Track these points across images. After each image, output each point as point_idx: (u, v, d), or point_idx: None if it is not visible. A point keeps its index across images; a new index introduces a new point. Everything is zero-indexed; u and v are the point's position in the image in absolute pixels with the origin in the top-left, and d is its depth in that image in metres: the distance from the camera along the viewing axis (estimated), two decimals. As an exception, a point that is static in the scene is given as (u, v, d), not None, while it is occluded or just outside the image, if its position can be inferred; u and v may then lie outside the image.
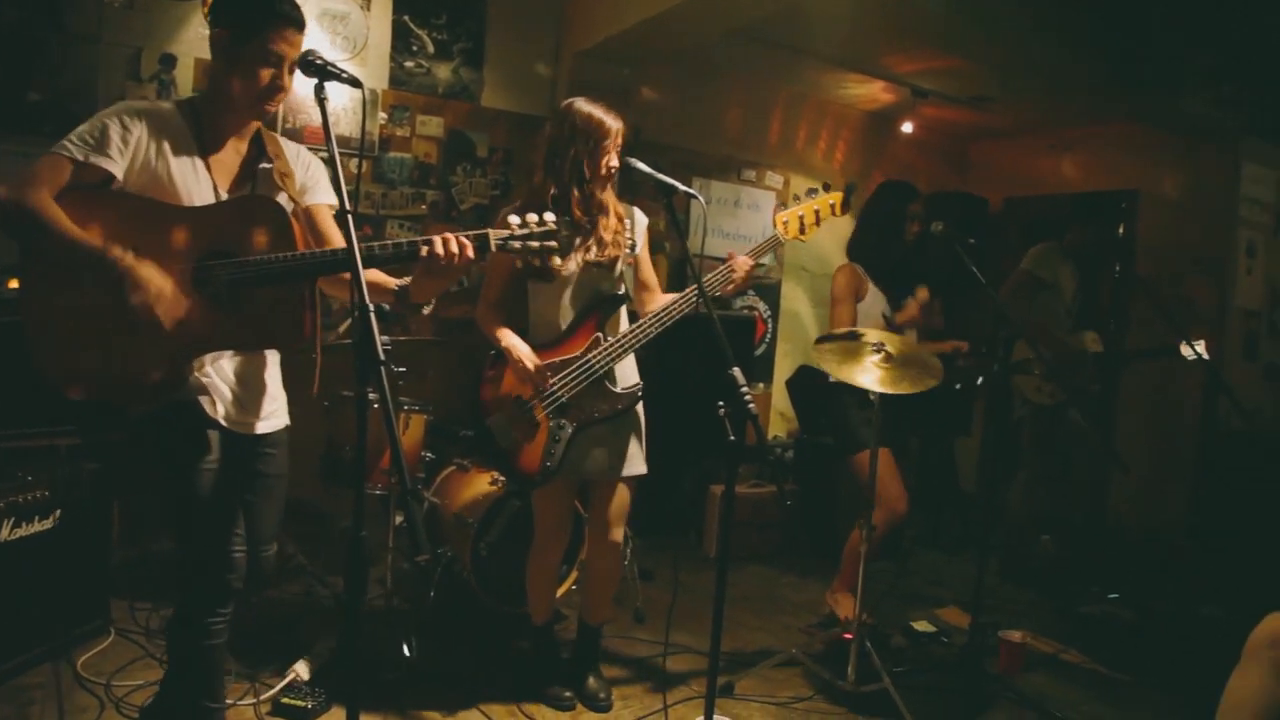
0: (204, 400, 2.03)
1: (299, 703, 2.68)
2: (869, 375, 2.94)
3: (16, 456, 2.85)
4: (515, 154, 4.93)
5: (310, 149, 2.30)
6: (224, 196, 2.04)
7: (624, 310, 2.85)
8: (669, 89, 5.47)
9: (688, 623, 3.60)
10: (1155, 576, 4.44)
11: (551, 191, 2.66)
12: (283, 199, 2.10)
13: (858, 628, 3.06)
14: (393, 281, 2.18)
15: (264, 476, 2.21)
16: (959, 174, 7.06)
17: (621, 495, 2.83)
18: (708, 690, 2.16)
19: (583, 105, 2.69)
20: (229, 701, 2.67)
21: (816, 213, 2.85)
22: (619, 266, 2.78)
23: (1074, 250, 4.50)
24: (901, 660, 3.46)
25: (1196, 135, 5.44)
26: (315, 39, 4.29)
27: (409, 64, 4.66)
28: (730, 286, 2.79)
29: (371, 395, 1.62)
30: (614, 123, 2.68)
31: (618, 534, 2.84)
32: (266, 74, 1.97)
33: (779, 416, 6.14)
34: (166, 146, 1.97)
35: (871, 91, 5.92)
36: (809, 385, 5.44)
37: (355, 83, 1.85)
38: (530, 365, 2.63)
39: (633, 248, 2.83)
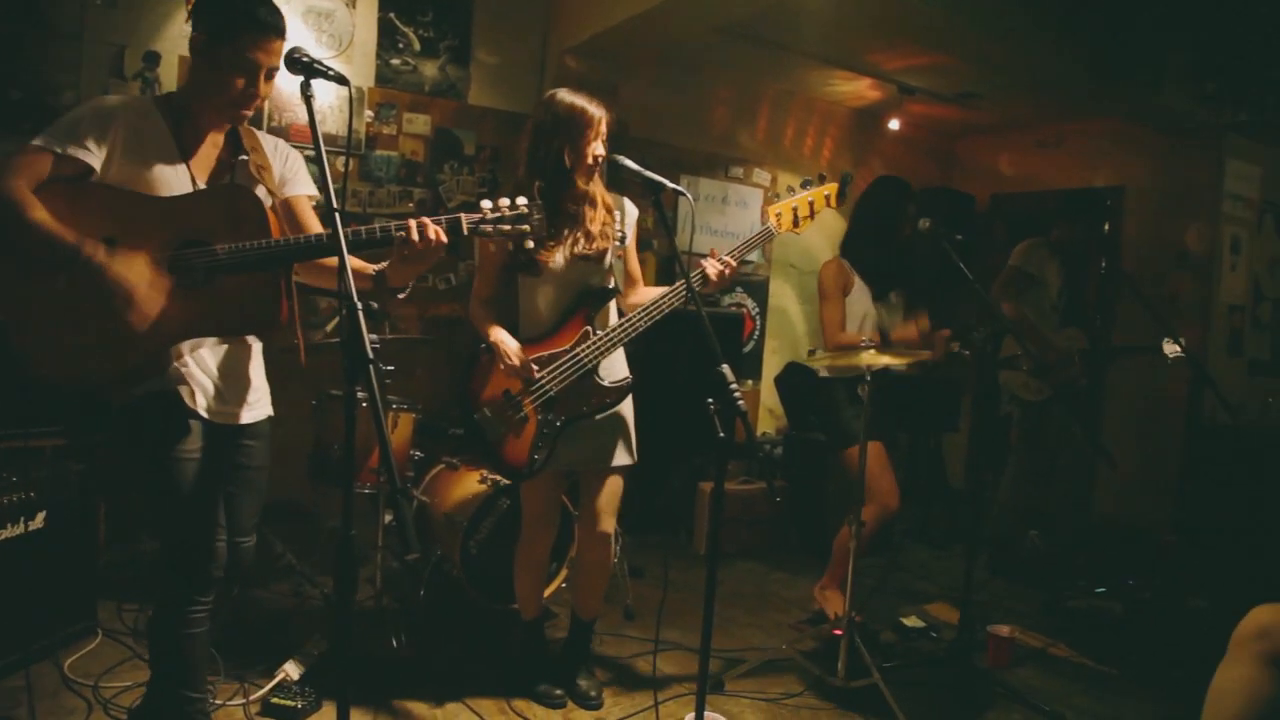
0: (183, 390, 2.05)
1: (289, 703, 2.67)
2: (871, 360, 2.95)
3: (2, 457, 2.83)
4: (503, 152, 4.92)
5: (297, 147, 2.30)
6: (201, 188, 2.06)
7: (613, 303, 2.84)
8: (656, 86, 5.47)
9: (678, 619, 3.60)
10: (1142, 570, 4.46)
11: (536, 184, 2.63)
12: (260, 191, 2.11)
13: (847, 624, 3.06)
14: (370, 267, 2.19)
15: (245, 468, 2.22)
16: (946, 171, 7.09)
17: (611, 486, 2.82)
18: (698, 687, 2.15)
19: (565, 95, 2.67)
20: (218, 702, 2.67)
21: (811, 204, 2.79)
22: (608, 259, 2.77)
23: (1060, 246, 4.52)
24: (891, 655, 3.47)
25: (1180, 132, 5.48)
26: (300, 36, 4.27)
27: (395, 61, 4.64)
28: (707, 288, 2.71)
29: (360, 394, 1.62)
30: (597, 111, 2.66)
31: (608, 524, 2.84)
32: (240, 82, 1.99)
33: (768, 413, 6.15)
34: (144, 140, 1.99)
35: (858, 88, 5.94)
36: (798, 382, 5.45)
37: (342, 80, 1.85)
38: (517, 360, 2.63)
39: (622, 239, 2.82)
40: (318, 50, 4.31)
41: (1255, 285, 5.88)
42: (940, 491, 5.85)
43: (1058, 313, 4.52)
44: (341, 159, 4.36)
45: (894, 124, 6.13)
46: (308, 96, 1.78)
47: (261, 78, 2.00)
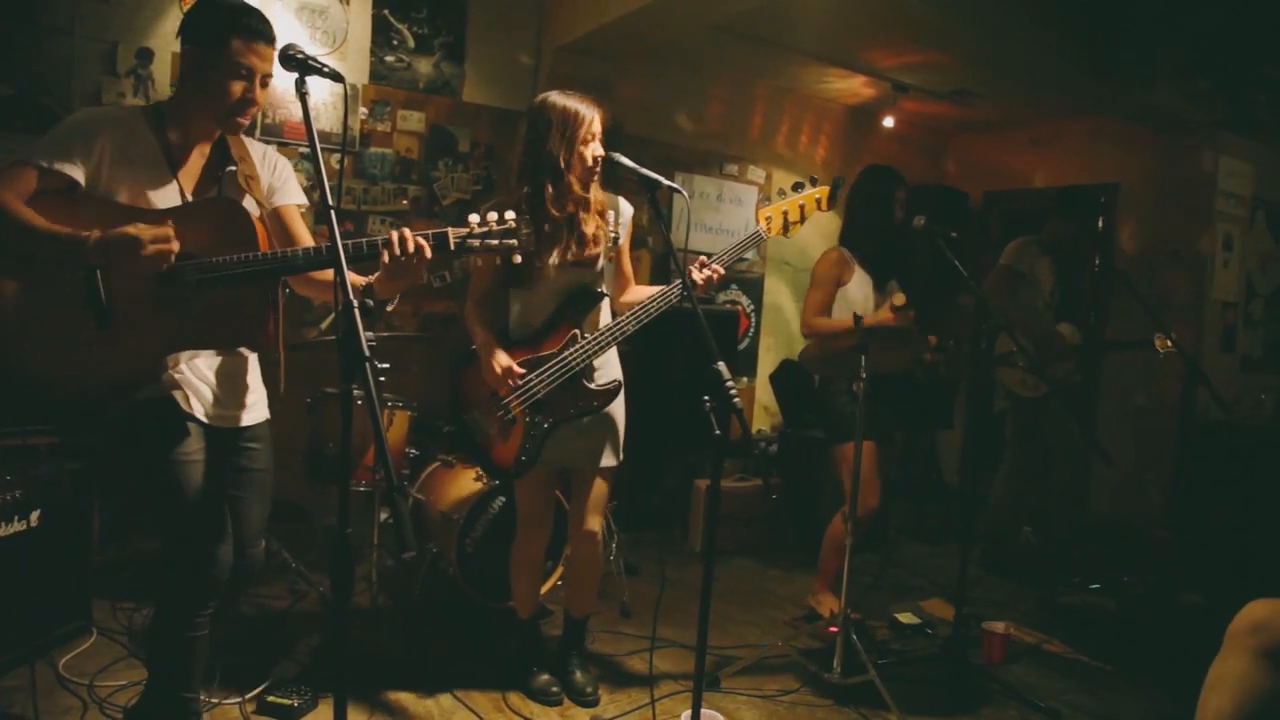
0: (177, 395, 2.05)
1: (285, 701, 2.66)
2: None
3: (-4, 456, 2.82)
4: (498, 149, 4.91)
5: (291, 144, 2.30)
6: (189, 200, 2.06)
7: (605, 306, 2.83)
8: (650, 84, 5.46)
9: (674, 617, 3.60)
10: (1136, 566, 4.48)
11: (524, 190, 2.62)
12: (248, 202, 2.11)
13: (843, 621, 3.07)
14: (359, 280, 2.18)
15: (249, 471, 2.22)
16: (940, 168, 7.10)
17: (599, 486, 2.83)
18: (694, 684, 2.16)
19: (557, 98, 2.65)
20: (214, 700, 2.66)
21: (801, 208, 2.77)
22: (600, 262, 2.76)
23: (1052, 244, 4.53)
24: (887, 652, 3.48)
25: (1173, 129, 5.50)
26: (294, 33, 4.26)
27: (389, 58, 4.63)
28: (694, 292, 2.70)
29: (356, 392, 1.61)
30: (590, 111, 2.64)
31: (594, 523, 2.84)
32: (239, 88, 1.99)
33: (763, 410, 6.16)
34: (131, 152, 1.99)
35: (852, 86, 5.94)
36: (793, 379, 5.47)
37: (337, 77, 1.84)
38: (499, 367, 2.62)
39: (615, 240, 2.81)
40: (312, 47, 4.30)
41: (1248, 282, 5.91)
42: (935, 488, 5.87)
43: (1050, 310, 4.54)
44: (336, 156, 4.35)
45: (888, 121, 6.14)
46: (303, 94, 1.77)
47: (257, 84, 2.02)
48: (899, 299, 3.49)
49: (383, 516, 3.41)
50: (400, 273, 2.02)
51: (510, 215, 2.06)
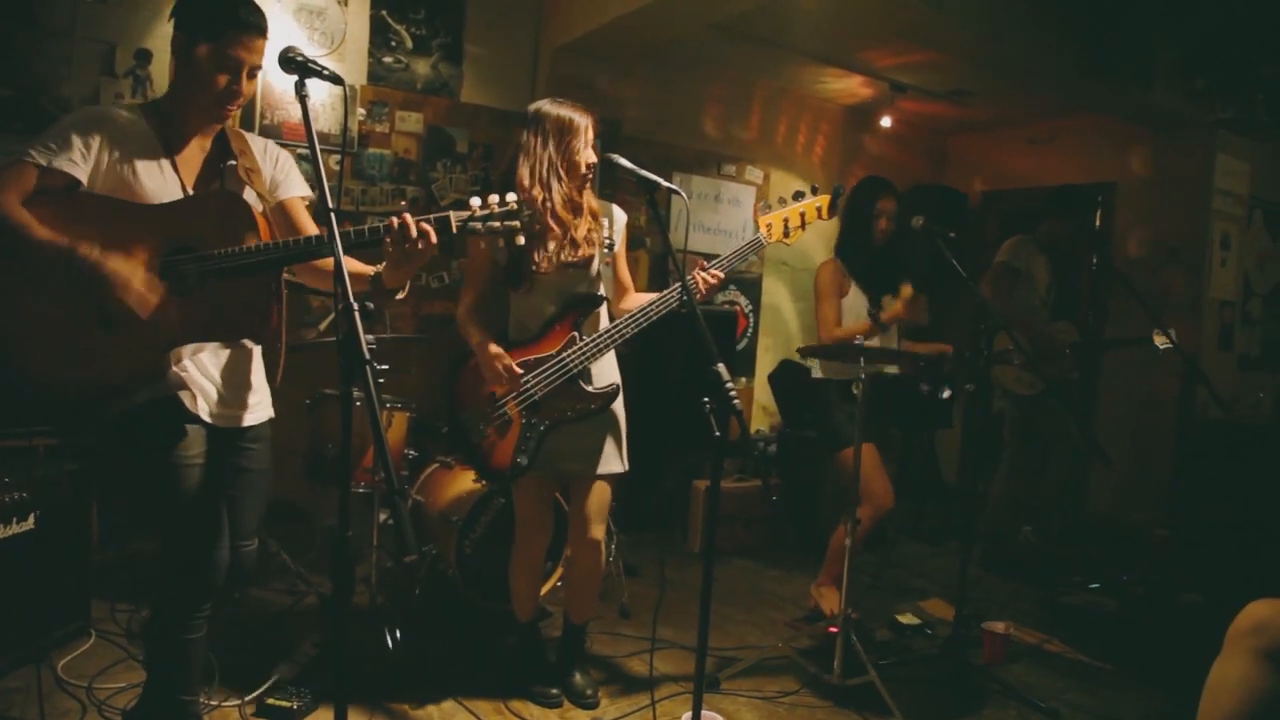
0: (184, 395, 2.04)
1: (284, 703, 2.66)
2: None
3: (-6, 458, 2.82)
4: (495, 150, 4.91)
5: (290, 145, 2.29)
6: (190, 194, 2.05)
7: (603, 310, 2.83)
8: (648, 84, 5.46)
9: (673, 618, 3.60)
10: (1136, 565, 4.48)
11: (526, 197, 2.62)
12: (249, 195, 2.10)
13: (843, 621, 3.07)
14: (368, 269, 2.17)
15: (246, 471, 2.21)
16: (938, 168, 7.10)
17: (600, 493, 2.82)
18: (695, 685, 2.15)
19: (550, 107, 2.66)
20: (214, 703, 2.66)
21: (802, 215, 2.78)
22: (595, 266, 2.77)
23: (1048, 242, 4.54)
24: (887, 653, 3.48)
25: (1171, 128, 5.51)
26: (293, 34, 4.26)
27: (387, 59, 4.62)
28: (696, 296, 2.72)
29: (355, 394, 1.61)
30: (584, 118, 2.67)
31: (597, 531, 2.83)
32: (223, 79, 1.98)
33: (761, 411, 6.16)
34: (130, 148, 1.99)
35: (850, 86, 5.94)
36: (792, 380, 5.46)
37: (337, 80, 1.84)
38: (499, 365, 2.62)
39: (610, 246, 2.81)
40: (310, 48, 4.29)
41: (1245, 281, 5.91)
42: (934, 488, 5.87)
43: (1047, 308, 4.55)
44: (334, 157, 4.34)
45: (886, 121, 6.14)
46: (302, 96, 1.77)
47: (244, 76, 2.00)
48: (907, 290, 3.51)
49: (382, 518, 3.40)
50: (405, 259, 2.01)
51: (511, 196, 2.06)
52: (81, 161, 1.93)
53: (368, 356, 1.57)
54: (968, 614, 3.37)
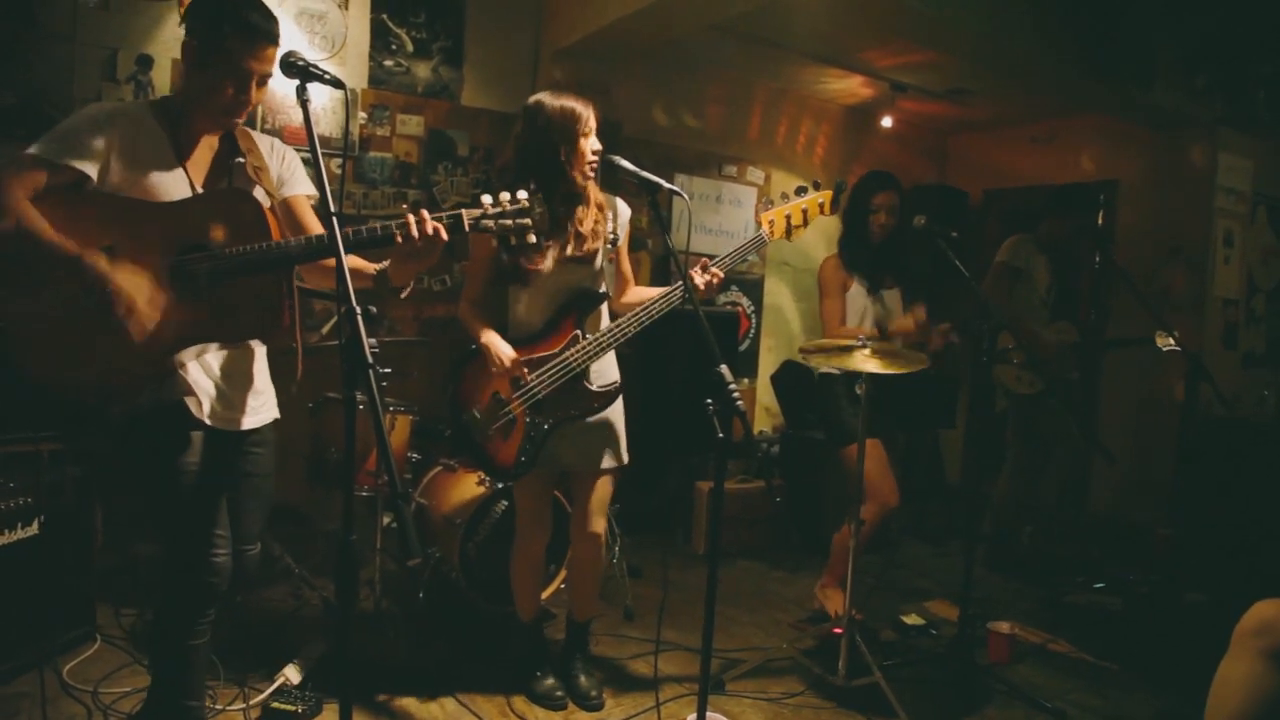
0: (190, 401, 2.03)
1: (289, 707, 2.66)
2: (861, 364, 2.95)
3: (-2, 463, 2.82)
4: (496, 152, 4.90)
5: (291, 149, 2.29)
6: (199, 191, 2.04)
7: (604, 307, 2.83)
8: (649, 85, 5.47)
9: (678, 619, 3.60)
10: (1139, 565, 4.47)
11: (531, 189, 2.61)
12: (258, 193, 2.10)
13: (847, 622, 3.06)
14: (371, 266, 2.18)
15: (250, 475, 2.21)
16: (939, 167, 7.10)
17: (601, 487, 2.82)
18: (700, 687, 2.15)
19: (551, 99, 2.66)
20: (219, 707, 2.66)
21: (804, 212, 2.78)
22: (599, 260, 2.76)
23: (1048, 241, 4.54)
24: (891, 654, 3.47)
25: (1172, 126, 5.50)
26: (293, 38, 4.26)
27: (388, 63, 4.63)
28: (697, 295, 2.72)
29: (359, 397, 1.61)
30: (585, 109, 2.66)
31: (598, 524, 2.83)
32: (233, 87, 1.97)
33: (764, 411, 6.15)
34: (140, 146, 1.97)
35: (851, 86, 5.94)
36: (795, 380, 5.46)
37: (338, 84, 1.84)
38: (506, 361, 2.62)
39: (614, 240, 2.80)
40: (311, 52, 4.29)
41: (1249, 278, 5.90)
42: (938, 488, 5.86)
43: (1047, 307, 4.55)
44: (336, 161, 4.35)
45: (886, 121, 6.14)
46: (304, 101, 1.78)
47: (253, 85, 1.99)
48: (920, 313, 3.52)
49: (386, 521, 3.40)
50: (414, 256, 2.02)
51: (522, 194, 2.06)
52: (92, 158, 1.91)
53: (370, 360, 1.57)
54: (972, 614, 3.36)
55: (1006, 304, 4.35)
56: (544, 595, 3.26)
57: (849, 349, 3.01)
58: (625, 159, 2.44)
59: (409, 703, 2.86)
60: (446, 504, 3.55)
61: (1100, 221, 5.99)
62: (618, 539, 3.91)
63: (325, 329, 3.77)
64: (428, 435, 3.81)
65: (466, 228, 2.04)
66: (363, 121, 4.56)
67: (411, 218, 1.97)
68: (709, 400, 2.03)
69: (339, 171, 4.35)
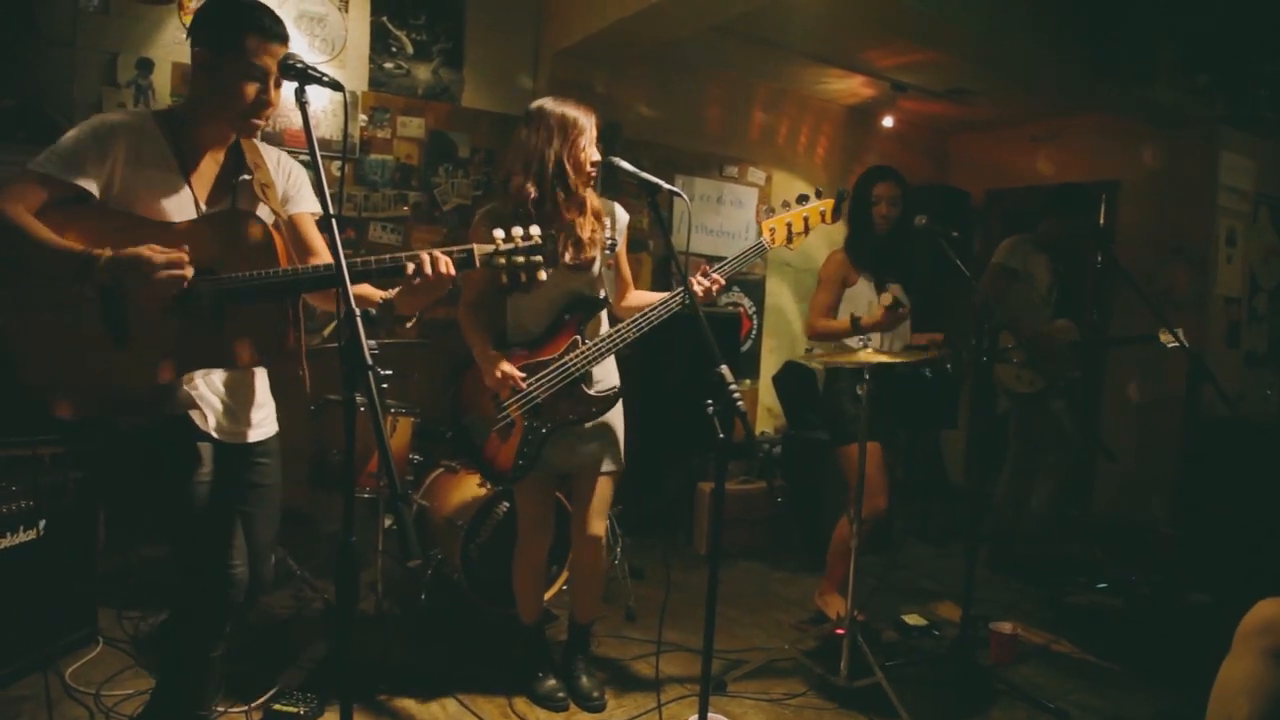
0: (195, 415, 2.01)
1: (291, 709, 2.66)
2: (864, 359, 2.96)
3: (1, 466, 2.82)
4: (497, 154, 4.91)
5: (292, 152, 2.28)
6: (204, 209, 2.01)
7: (604, 313, 2.84)
8: (649, 86, 5.47)
9: (680, 620, 3.60)
10: (1142, 564, 4.47)
11: (532, 196, 2.61)
12: (264, 212, 2.07)
13: (849, 623, 3.06)
14: (378, 294, 2.17)
15: (259, 486, 2.18)
16: (940, 167, 7.09)
17: (601, 489, 2.82)
18: (701, 688, 2.15)
19: (553, 105, 2.65)
20: (220, 709, 2.65)
21: (805, 220, 2.78)
22: (597, 266, 2.76)
23: (1048, 241, 4.53)
24: (894, 654, 3.47)
25: (1174, 125, 5.49)
26: (293, 41, 4.23)
27: (388, 65, 4.63)
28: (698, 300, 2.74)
29: (359, 399, 1.61)
30: (586, 116, 2.65)
31: (598, 527, 2.83)
32: (252, 89, 1.94)
33: (766, 412, 6.15)
34: (144, 160, 1.94)
35: (851, 86, 5.94)
36: (796, 381, 5.46)
37: (337, 86, 1.82)
38: (499, 373, 2.63)
39: (612, 246, 2.81)
40: (311, 55, 4.30)
41: (1251, 277, 5.89)
42: (940, 489, 5.85)
43: (1049, 306, 4.54)
44: (336, 164, 4.36)
45: (888, 121, 6.13)
46: (303, 103, 1.76)
47: (272, 84, 1.97)
48: (886, 298, 3.50)
49: (387, 523, 3.41)
50: (422, 291, 2.02)
51: (535, 230, 2.06)
52: (95, 173, 1.88)
53: (370, 362, 1.56)
54: (974, 615, 3.36)
55: (1004, 305, 4.35)
56: (546, 596, 3.26)
57: (849, 349, 3.01)
58: (625, 160, 2.44)
59: (410, 704, 2.86)
60: (448, 505, 3.55)
61: (1102, 221, 5.99)
62: (619, 540, 3.91)
63: (326, 331, 3.77)
64: (429, 437, 3.82)
65: (477, 264, 2.03)
66: (363, 124, 4.56)
67: (425, 256, 1.96)
68: (709, 401, 2.03)
69: (339, 174, 4.35)
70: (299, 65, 1.80)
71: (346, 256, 1.70)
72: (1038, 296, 4.50)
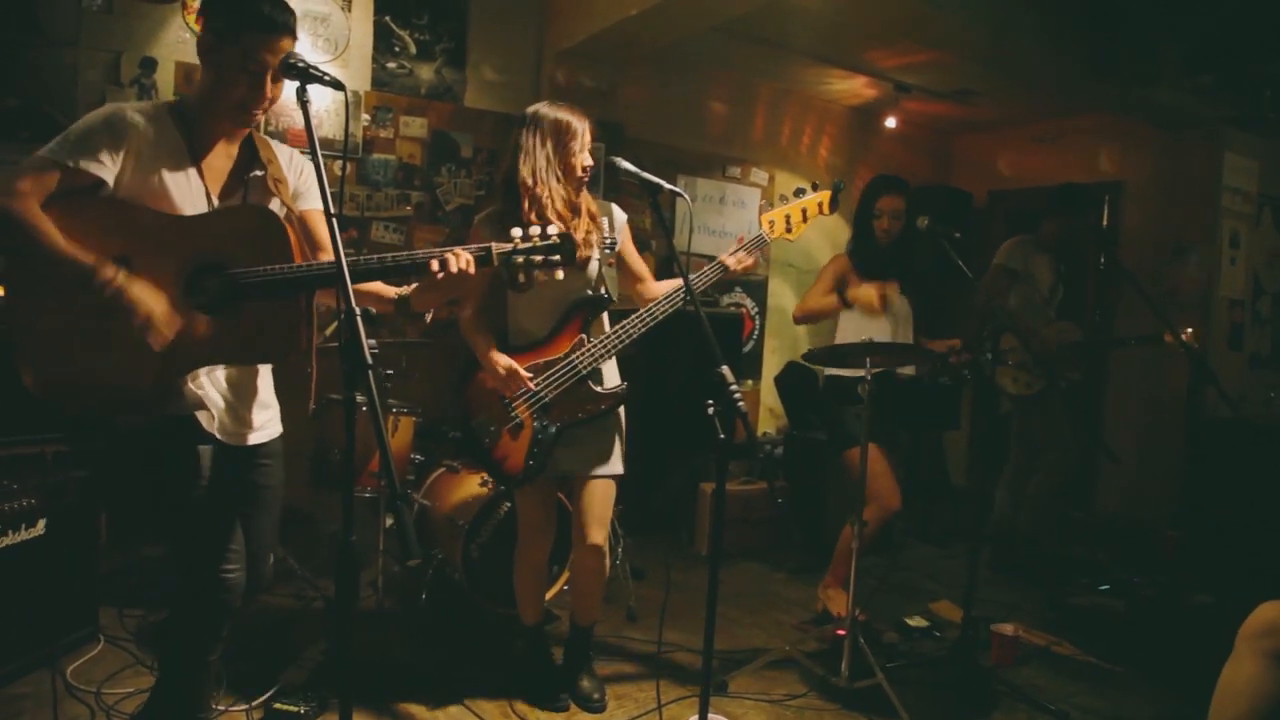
0: (201, 416, 1.98)
1: (291, 708, 2.66)
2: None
3: (3, 464, 2.82)
4: (499, 154, 4.91)
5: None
6: (216, 203, 1.99)
7: (605, 312, 2.84)
8: (652, 86, 5.47)
9: (680, 621, 3.60)
10: (1145, 566, 4.46)
11: (525, 200, 2.62)
12: (276, 206, 2.05)
13: (850, 624, 3.06)
14: (391, 291, 2.17)
15: (261, 488, 2.17)
16: (943, 168, 7.09)
17: (602, 498, 2.80)
18: (702, 689, 2.15)
19: (547, 109, 2.67)
20: (221, 708, 2.66)
21: (804, 211, 2.82)
22: (592, 266, 2.77)
23: (1050, 242, 4.52)
24: (895, 655, 3.47)
25: (1178, 126, 5.48)
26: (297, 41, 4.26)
27: (391, 65, 4.64)
28: (726, 275, 2.81)
29: (359, 399, 1.60)
30: (580, 121, 2.67)
31: (598, 536, 2.81)
32: (248, 81, 1.91)
33: (768, 413, 6.15)
34: (158, 150, 1.92)
35: (854, 87, 5.94)
36: (798, 382, 5.46)
37: (337, 85, 1.81)
38: (503, 370, 2.63)
39: (612, 245, 2.81)
40: (314, 54, 4.30)
41: (1255, 279, 5.88)
42: (942, 490, 5.85)
43: (1051, 307, 4.53)
44: (338, 163, 4.36)
45: (891, 122, 6.13)
46: (304, 102, 1.75)
47: (269, 79, 1.92)
48: (884, 287, 3.56)
49: (388, 522, 3.41)
50: (441, 287, 2.03)
51: (553, 229, 2.07)
52: (109, 162, 1.85)
53: (370, 361, 1.56)
54: (976, 616, 3.35)
55: (1002, 305, 4.35)
56: (547, 596, 3.26)
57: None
58: (628, 160, 2.45)
59: (411, 703, 2.85)
60: (449, 505, 3.55)
61: (1105, 221, 5.98)
62: (620, 540, 3.91)
63: (328, 331, 3.78)
64: (431, 436, 3.82)
65: (495, 262, 2.03)
66: (366, 123, 4.57)
67: (450, 255, 1.97)
68: (711, 401, 2.03)
69: (340, 174, 4.36)
70: (300, 64, 1.79)
71: (356, 256, 1.70)
72: (1039, 297, 4.49)
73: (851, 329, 3.65)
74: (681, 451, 4.93)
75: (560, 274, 2.14)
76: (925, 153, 6.92)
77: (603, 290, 2.80)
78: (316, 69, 1.80)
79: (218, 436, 2.01)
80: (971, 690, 3.21)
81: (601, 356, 2.70)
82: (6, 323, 1.87)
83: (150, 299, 1.82)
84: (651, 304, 2.70)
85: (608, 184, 4.53)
